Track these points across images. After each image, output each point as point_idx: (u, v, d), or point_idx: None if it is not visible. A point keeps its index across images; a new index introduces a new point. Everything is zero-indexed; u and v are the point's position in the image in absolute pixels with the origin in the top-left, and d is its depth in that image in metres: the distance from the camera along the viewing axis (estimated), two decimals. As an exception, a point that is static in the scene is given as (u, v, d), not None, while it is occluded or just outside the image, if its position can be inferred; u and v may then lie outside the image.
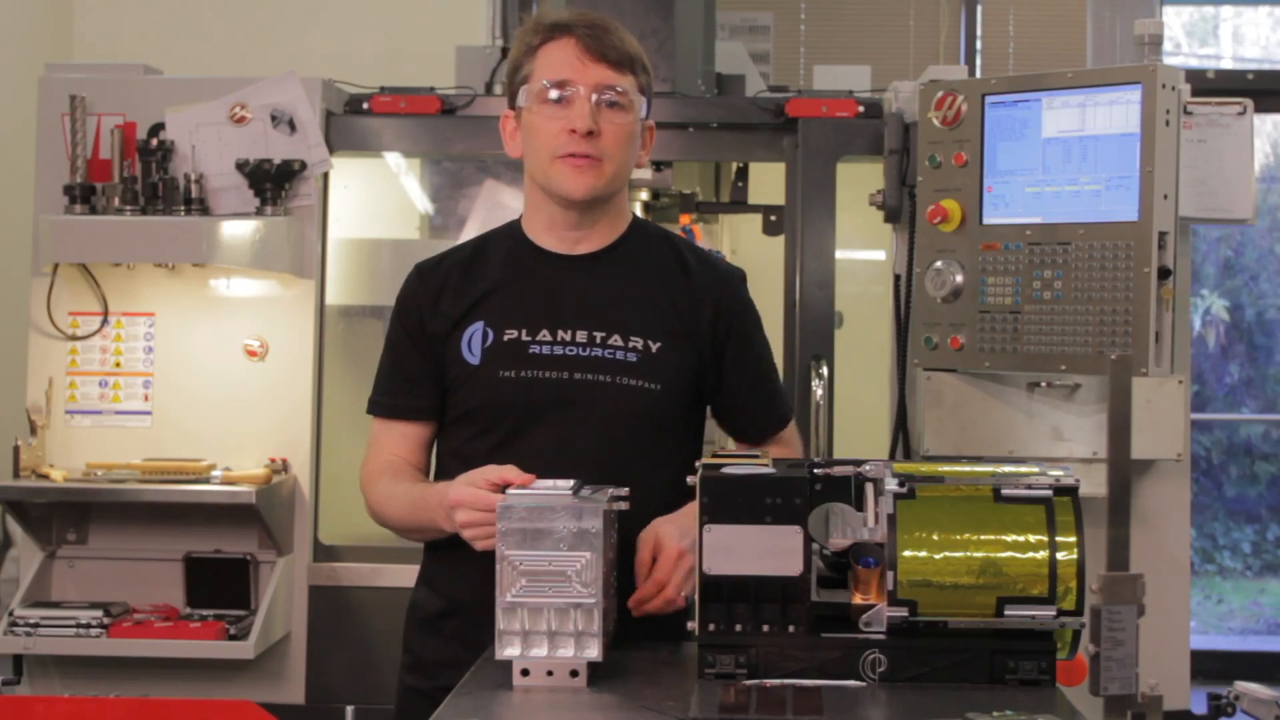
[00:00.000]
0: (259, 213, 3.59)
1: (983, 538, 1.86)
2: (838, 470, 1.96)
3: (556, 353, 2.32)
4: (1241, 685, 2.51)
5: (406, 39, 5.22)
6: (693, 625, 1.95)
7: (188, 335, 3.67)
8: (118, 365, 3.67)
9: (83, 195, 3.56)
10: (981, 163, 3.14)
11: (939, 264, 3.19)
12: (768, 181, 3.98)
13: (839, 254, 3.71)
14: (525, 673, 1.90)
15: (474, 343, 2.34)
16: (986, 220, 3.14)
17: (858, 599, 1.92)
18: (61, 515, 3.64)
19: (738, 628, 1.91)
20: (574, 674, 1.90)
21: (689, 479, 1.94)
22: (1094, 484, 2.28)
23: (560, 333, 2.33)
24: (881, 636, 1.90)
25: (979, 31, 6.64)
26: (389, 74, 4.09)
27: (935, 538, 1.86)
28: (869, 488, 1.94)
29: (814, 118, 3.69)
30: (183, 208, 3.56)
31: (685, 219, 4.15)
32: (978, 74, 5.93)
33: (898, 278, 3.51)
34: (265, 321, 3.67)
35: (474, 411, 2.34)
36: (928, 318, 3.23)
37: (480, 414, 2.33)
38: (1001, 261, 3.12)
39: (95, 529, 3.66)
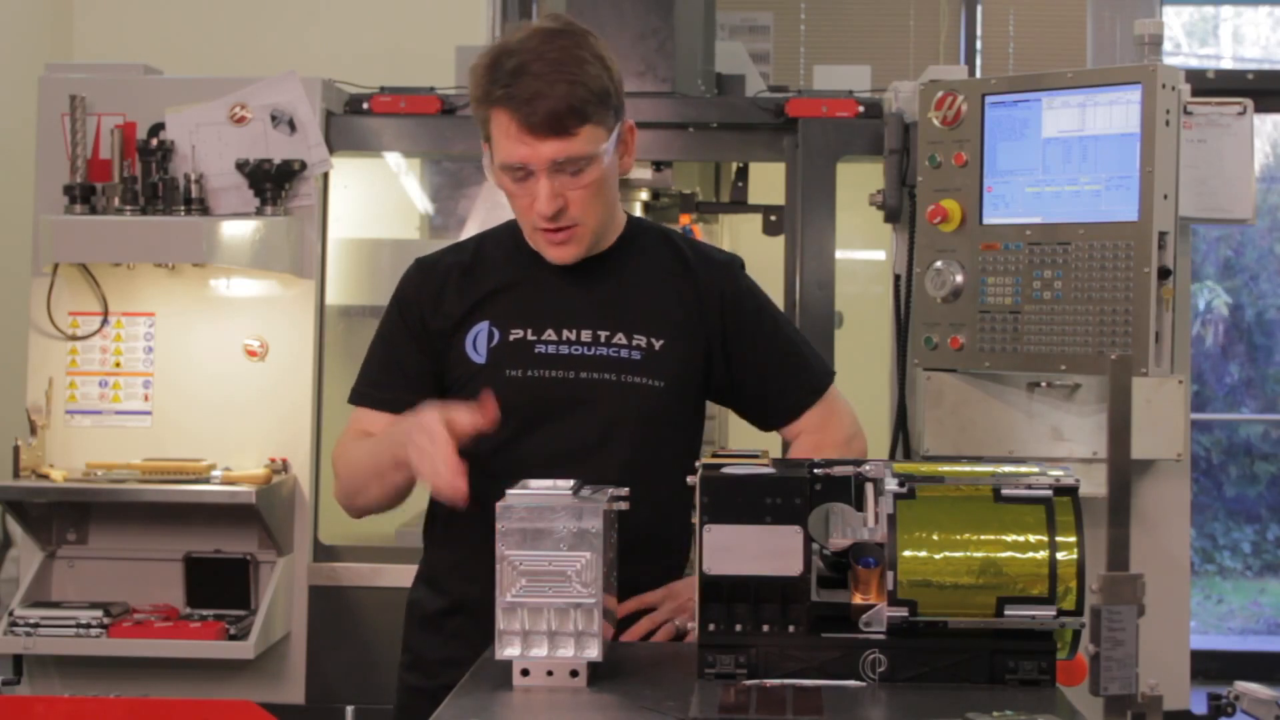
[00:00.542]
0: (259, 213, 3.59)
1: (983, 538, 1.86)
2: (838, 470, 1.96)
3: (562, 352, 2.32)
4: (1241, 685, 2.51)
5: (406, 39, 5.22)
6: (692, 626, 1.95)
7: (188, 335, 3.67)
8: (118, 365, 3.67)
9: (83, 195, 3.56)
10: (981, 163, 3.14)
11: (939, 264, 3.19)
12: (768, 181, 3.98)
13: (839, 254, 3.71)
14: (525, 673, 1.90)
15: (479, 342, 2.33)
16: (986, 220, 3.14)
17: (858, 599, 1.91)
18: (61, 515, 3.64)
19: (738, 628, 1.91)
20: (574, 674, 1.90)
21: (689, 479, 1.94)
22: (1094, 484, 2.28)
23: (565, 332, 2.33)
24: (881, 636, 1.90)
25: (979, 31, 6.63)
26: (389, 74, 4.09)
27: (935, 538, 1.86)
28: (869, 488, 1.94)
29: (814, 118, 3.69)
30: (183, 208, 3.56)
31: (685, 219, 4.15)
32: (978, 74, 5.93)
33: (898, 278, 3.51)
34: (265, 321, 3.67)
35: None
36: (928, 318, 3.23)
37: None
38: (1001, 261, 3.12)
39: (95, 529, 3.66)
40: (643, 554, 2.24)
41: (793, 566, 1.89)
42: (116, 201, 3.57)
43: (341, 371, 3.78)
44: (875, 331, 3.74)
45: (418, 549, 2.46)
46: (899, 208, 3.47)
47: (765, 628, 1.90)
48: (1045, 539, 1.85)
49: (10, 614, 3.49)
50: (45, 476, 3.53)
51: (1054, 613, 1.85)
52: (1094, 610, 1.64)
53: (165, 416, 3.66)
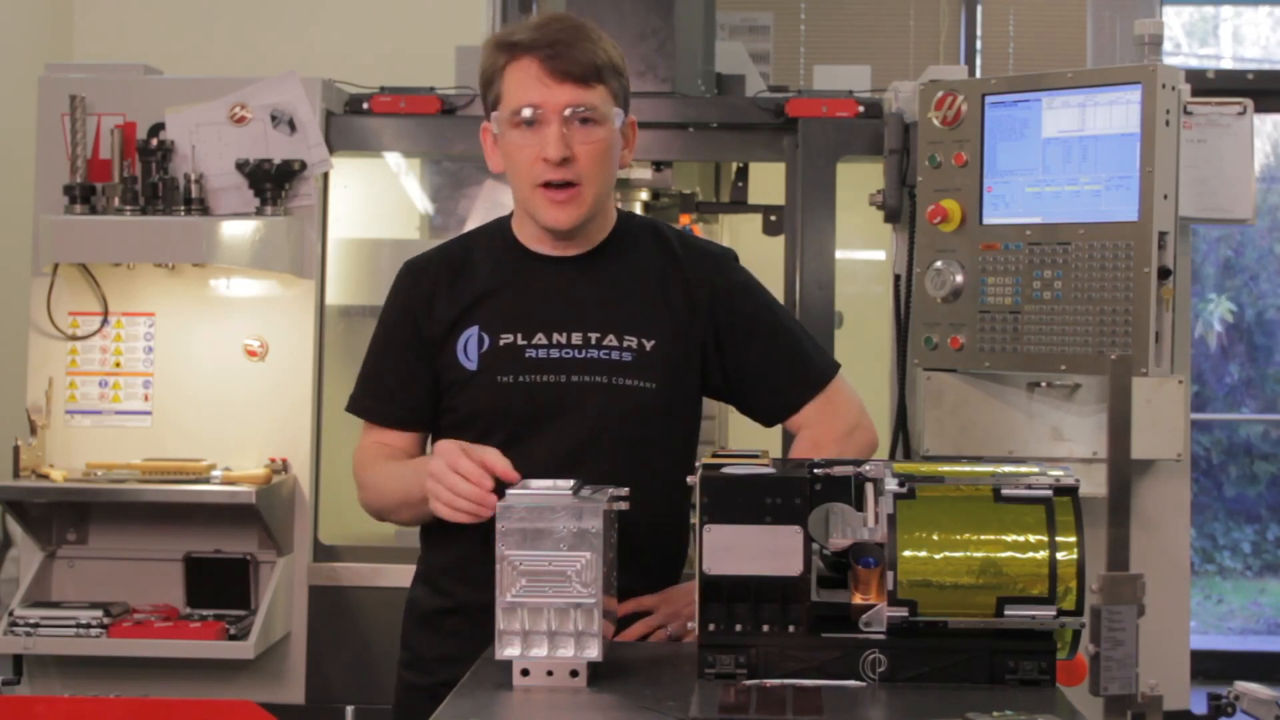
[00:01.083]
0: (259, 213, 3.59)
1: (983, 538, 1.86)
2: (838, 470, 1.96)
3: (553, 356, 2.31)
4: (1241, 685, 2.51)
5: (406, 39, 5.22)
6: (692, 626, 1.95)
7: (188, 335, 3.67)
8: (118, 365, 3.67)
9: (83, 195, 3.56)
10: (981, 163, 3.14)
11: (939, 264, 3.19)
12: (768, 181, 3.98)
13: (839, 254, 3.71)
14: (525, 673, 1.90)
15: (470, 348, 2.33)
16: (986, 220, 3.14)
17: (858, 599, 1.92)
18: (61, 515, 3.64)
19: (738, 628, 1.91)
20: (574, 674, 1.90)
21: (689, 479, 1.94)
22: (1094, 484, 2.29)
23: (555, 335, 2.32)
24: (881, 636, 1.90)
25: (979, 31, 6.63)
26: (389, 74, 4.08)
27: (935, 538, 1.86)
28: (869, 488, 1.94)
29: (814, 118, 3.69)
30: (183, 208, 3.56)
31: (685, 219, 4.15)
32: (978, 74, 5.93)
33: (898, 278, 3.51)
34: (265, 321, 3.67)
35: (473, 417, 2.33)
36: (928, 318, 3.23)
37: (479, 419, 2.32)
38: (1001, 261, 3.12)
39: (95, 529, 3.66)
40: (639, 556, 2.24)
41: (793, 566, 1.89)
42: (116, 201, 3.57)
43: (342, 371, 3.78)
44: (875, 331, 3.74)
45: (417, 548, 2.46)
46: (899, 208, 3.47)
47: (765, 628, 1.90)
48: (1045, 539, 1.85)
49: (10, 614, 3.49)
50: (45, 476, 3.53)
51: (1054, 613, 1.85)
52: (1094, 610, 1.64)
53: (165, 416, 3.66)
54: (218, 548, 3.61)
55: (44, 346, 3.67)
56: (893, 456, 3.50)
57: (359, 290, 4.02)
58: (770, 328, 2.43)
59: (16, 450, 3.54)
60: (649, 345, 2.33)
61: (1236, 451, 8.35)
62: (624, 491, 2.05)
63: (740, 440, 3.93)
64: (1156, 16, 5.66)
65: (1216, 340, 8.27)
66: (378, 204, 4.37)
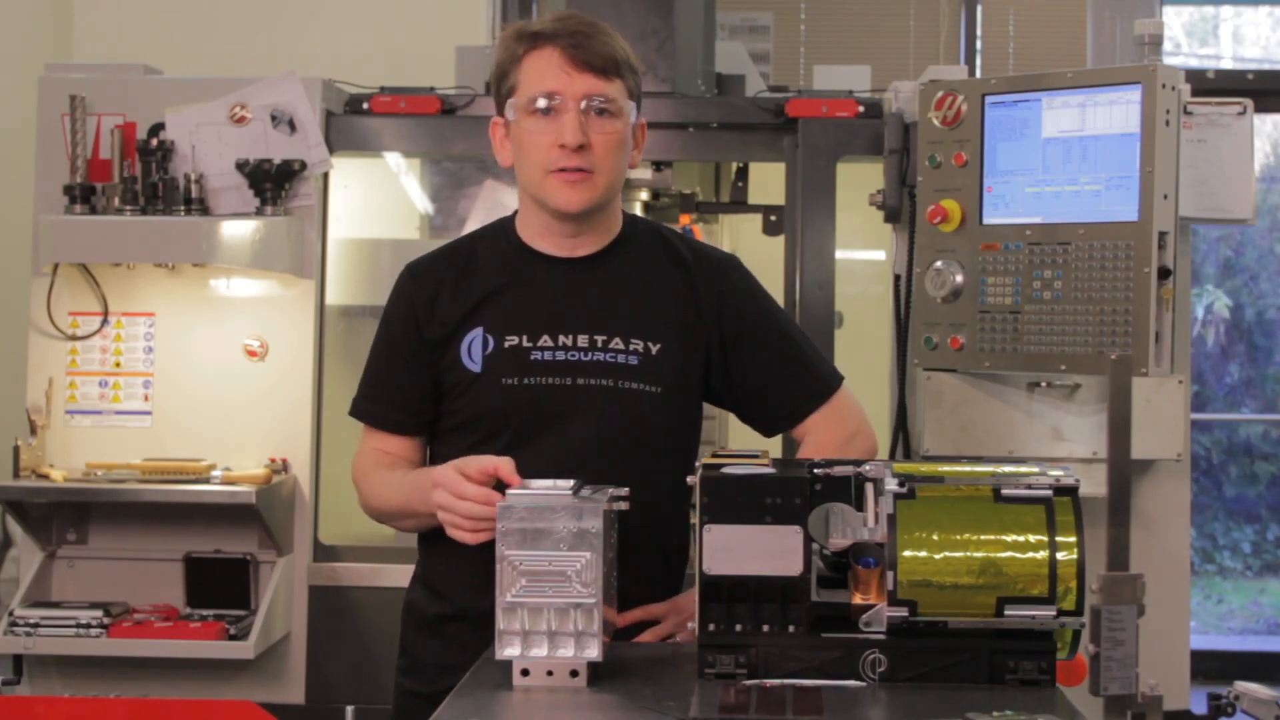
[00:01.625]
0: (259, 213, 3.59)
1: (983, 538, 1.86)
2: (838, 470, 1.96)
3: (558, 358, 2.30)
4: (1241, 685, 2.51)
5: (406, 39, 5.22)
6: (692, 625, 1.95)
7: (188, 335, 3.67)
8: (118, 365, 3.67)
9: (83, 195, 3.56)
10: (981, 163, 3.14)
11: (939, 264, 3.19)
12: (768, 181, 3.98)
13: (839, 254, 3.71)
14: (525, 673, 1.90)
15: (474, 350, 2.32)
16: (986, 220, 3.14)
17: (858, 599, 1.92)
18: (61, 515, 3.64)
19: (738, 628, 1.91)
20: (574, 674, 1.90)
21: (689, 479, 1.94)
22: (1094, 484, 2.29)
23: (561, 338, 2.31)
24: (881, 636, 1.90)
25: (979, 31, 6.63)
26: (389, 74, 4.09)
27: (935, 538, 1.86)
28: (869, 488, 1.94)
29: (814, 118, 3.69)
30: (183, 208, 3.56)
31: (685, 219, 4.15)
32: (978, 74, 5.93)
33: (898, 278, 3.51)
34: (265, 321, 3.67)
35: (477, 419, 2.32)
36: (928, 318, 3.23)
37: (483, 421, 2.31)
38: (1001, 261, 3.12)
39: (95, 529, 3.66)
40: (641, 560, 2.24)
41: (793, 566, 1.89)
42: (116, 201, 3.56)
43: (342, 371, 3.78)
44: (875, 331, 3.74)
45: (417, 549, 2.45)
46: (899, 208, 3.47)
47: (765, 628, 1.90)
48: (1045, 539, 1.85)
49: (10, 614, 3.49)
50: (45, 476, 3.53)
51: (1054, 613, 1.85)
52: (1094, 610, 1.64)
53: (165, 416, 3.66)
54: (218, 548, 3.61)
55: (44, 346, 3.67)
56: (893, 456, 3.50)
57: (359, 290, 4.02)
58: (777, 336, 2.43)
59: (16, 450, 3.54)
60: (655, 349, 2.32)
61: (1236, 451, 8.35)
62: (624, 491, 2.05)
63: (740, 441, 3.93)
64: (1156, 16, 5.66)
65: (1214, 337, 8.26)
66: (378, 204, 4.37)
